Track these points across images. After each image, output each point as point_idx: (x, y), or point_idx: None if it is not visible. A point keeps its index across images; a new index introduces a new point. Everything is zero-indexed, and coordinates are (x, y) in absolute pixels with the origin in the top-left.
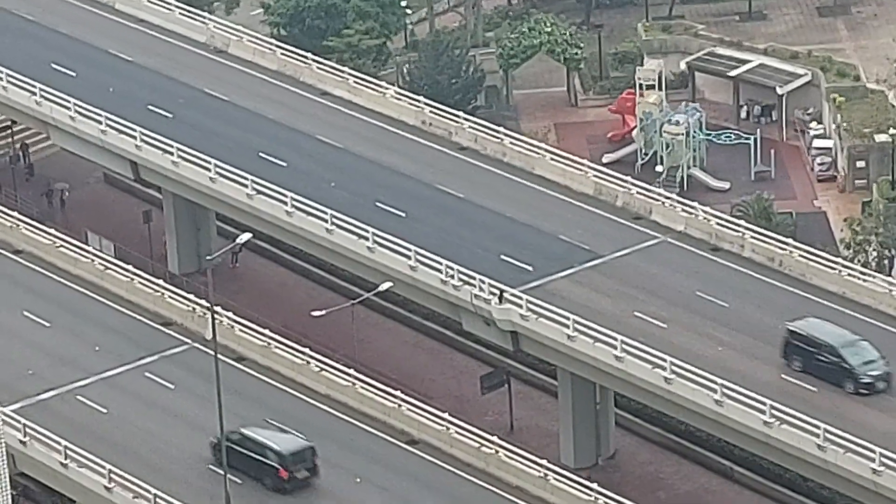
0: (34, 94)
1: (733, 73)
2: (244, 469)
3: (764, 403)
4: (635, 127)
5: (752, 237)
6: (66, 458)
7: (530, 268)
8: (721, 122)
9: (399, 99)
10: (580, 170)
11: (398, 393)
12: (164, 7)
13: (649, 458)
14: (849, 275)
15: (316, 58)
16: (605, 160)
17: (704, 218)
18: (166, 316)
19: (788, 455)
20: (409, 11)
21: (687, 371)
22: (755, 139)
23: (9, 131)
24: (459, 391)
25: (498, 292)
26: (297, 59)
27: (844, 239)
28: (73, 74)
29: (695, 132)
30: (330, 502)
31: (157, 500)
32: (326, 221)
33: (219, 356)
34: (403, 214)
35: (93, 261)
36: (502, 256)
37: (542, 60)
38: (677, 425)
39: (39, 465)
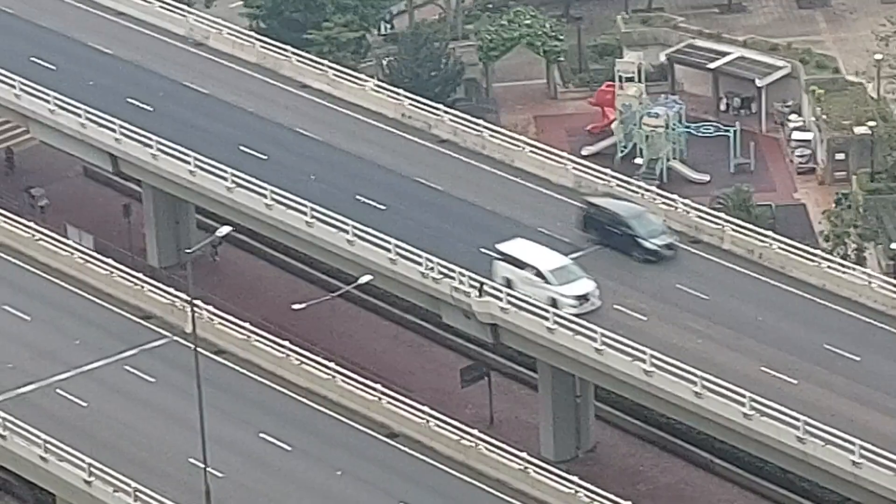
0: (13, 87)
1: (713, 65)
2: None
3: (743, 396)
4: (615, 119)
5: (732, 230)
6: (45, 452)
7: None
8: (700, 114)
9: (378, 92)
10: (560, 162)
11: (378, 386)
12: (143, 0)
13: (629, 451)
14: (828, 267)
15: (295, 51)
16: (584, 153)
17: (684, 210)
18: (146, 309)
19: (768, 447)
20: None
21: (667, 363)
22: (735, 131)
23: None
24: (439, 384)
25: (478, 285)
26: (277, 52)
27: (824, 231)
28: (53, 68)
29: (674, 124)
30: (311, 496)
31: (137, 493)
32: (306, 214)
33: (199, 349)
34: (383, 207)
35: (72, 254)
36: (482, 249)
37: (521, 53)
38: (657, 418)
39: (19, 459)
